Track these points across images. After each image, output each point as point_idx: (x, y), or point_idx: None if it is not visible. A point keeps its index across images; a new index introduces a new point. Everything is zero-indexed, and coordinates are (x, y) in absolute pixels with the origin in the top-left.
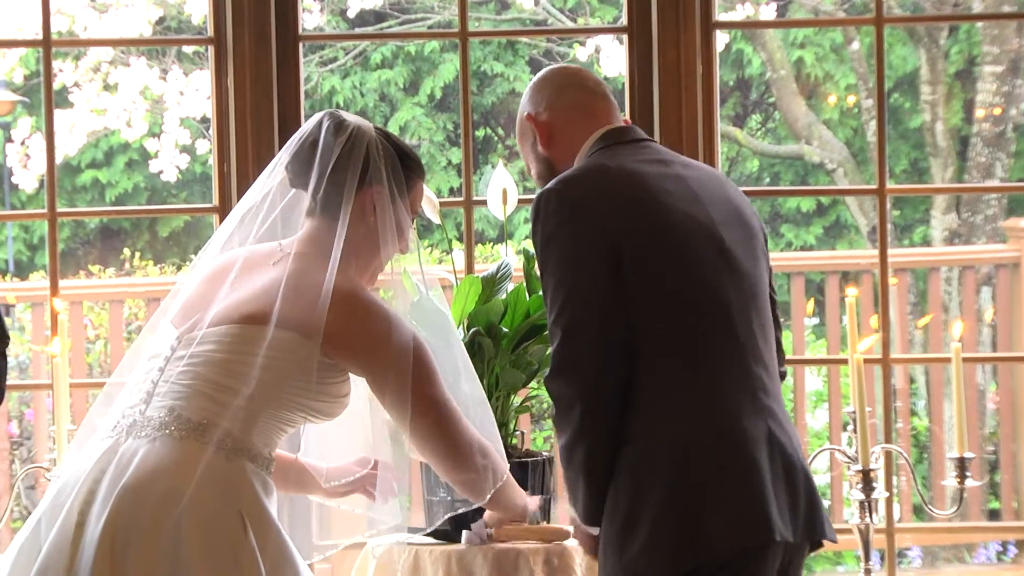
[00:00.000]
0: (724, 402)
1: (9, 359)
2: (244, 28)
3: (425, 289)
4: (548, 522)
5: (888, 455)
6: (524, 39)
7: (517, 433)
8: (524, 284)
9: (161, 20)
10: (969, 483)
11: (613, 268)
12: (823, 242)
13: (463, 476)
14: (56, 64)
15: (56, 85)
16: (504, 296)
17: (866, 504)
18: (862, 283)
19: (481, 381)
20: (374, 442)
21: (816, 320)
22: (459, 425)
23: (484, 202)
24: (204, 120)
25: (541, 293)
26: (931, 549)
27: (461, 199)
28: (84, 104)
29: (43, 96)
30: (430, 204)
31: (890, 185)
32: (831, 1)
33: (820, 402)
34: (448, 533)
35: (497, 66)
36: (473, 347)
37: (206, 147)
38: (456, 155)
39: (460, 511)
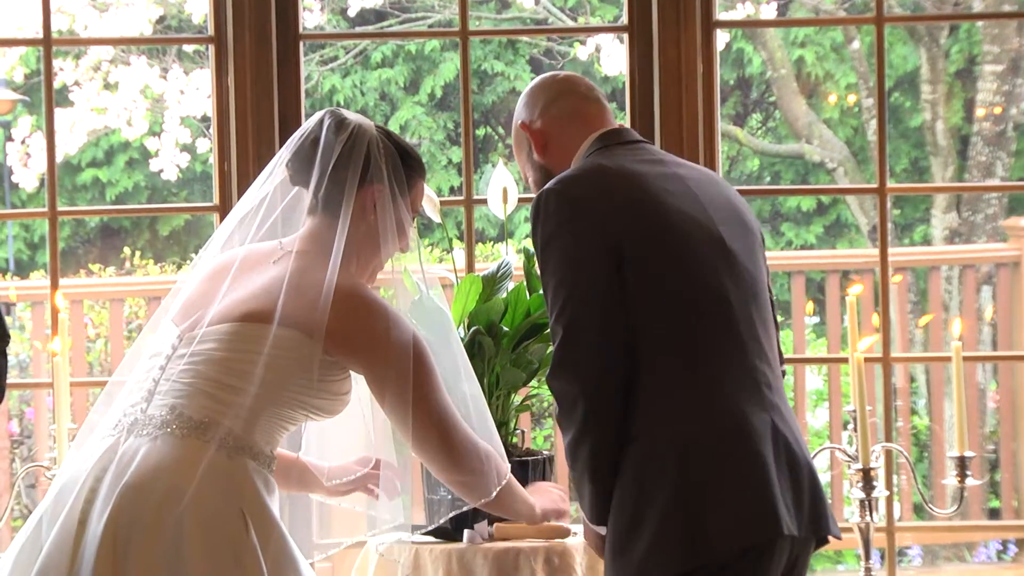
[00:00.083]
0: (725, 401)
1: (9, 357)
2: (244, 27)
3: (425, 288)
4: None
5: (888, 454)
6: (524, 38)
7: (517, 432)
8: (524, 283)
9: (161, 19)
10: (969, 482)
11: (613, 268)
12: (823, 241)
13: (460, 477)
14: (56, 63)
15: (56, 84)
16: (504, 295)
17: (866, 503)
18: (863, 281)
19: (481, 380)
20: (376, 441)
21: (816, 319)
22: (456, 426)
23: (484, 201)
24: (204, 119)
25: (541, 292)
26: (931, 548)
27: (461, 198)
28: (84, 103)
29: (43, 95)
30: (431, 203)
31: (890, 184)
32: (831, 0)
33: (820, 401)
34: (449, 532)
35: (498, 65)
36: (473, 346)
37: (206, 146)
38: (456, 154)
39: (463, 509)
